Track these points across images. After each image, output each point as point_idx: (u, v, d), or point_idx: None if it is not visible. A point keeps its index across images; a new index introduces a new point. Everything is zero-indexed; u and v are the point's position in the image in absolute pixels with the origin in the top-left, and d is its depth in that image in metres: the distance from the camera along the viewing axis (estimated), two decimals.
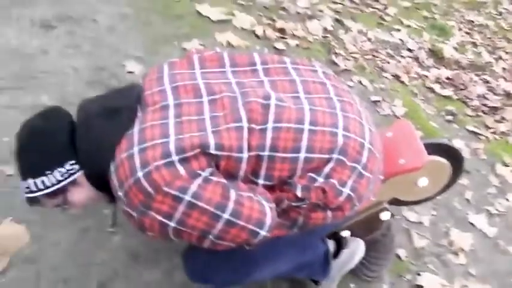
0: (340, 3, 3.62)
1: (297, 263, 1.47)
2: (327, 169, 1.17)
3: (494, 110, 3.22)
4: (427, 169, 1.55)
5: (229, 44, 2.70)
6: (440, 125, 2.92)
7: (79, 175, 1.16)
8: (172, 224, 1.08)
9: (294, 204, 1.19)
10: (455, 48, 3.64)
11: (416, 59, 3.38)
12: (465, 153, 2.77)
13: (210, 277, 1.35)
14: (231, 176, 1.14)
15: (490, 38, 3.98)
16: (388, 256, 1.82)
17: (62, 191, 1.17)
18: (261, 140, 1.13)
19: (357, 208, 1.29)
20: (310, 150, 1.15)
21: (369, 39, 3.36)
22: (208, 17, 2.83)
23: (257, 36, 2.88)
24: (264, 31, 2.90)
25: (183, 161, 1.06)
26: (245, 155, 1.11)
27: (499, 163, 2.81)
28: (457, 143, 2.81)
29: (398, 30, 3.63)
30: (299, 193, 1.17)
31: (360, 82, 2.93)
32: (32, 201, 1.19)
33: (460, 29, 3.92)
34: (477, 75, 3.48)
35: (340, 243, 1.65)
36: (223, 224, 1.09)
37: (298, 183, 1.17)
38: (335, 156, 1.17)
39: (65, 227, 1.64)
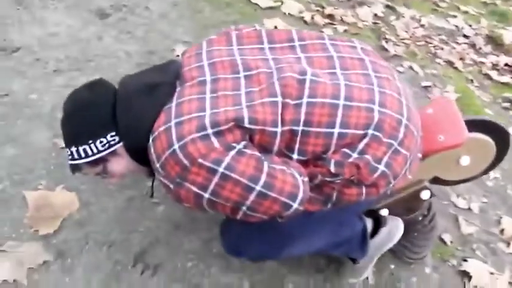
0: None
1: (333, 240, 1.46)
2: (361, 145, 1.16)
3: None
4: (469, 147, 1.49)
5: None
6: (496, 112, 2.79)
7: (119, 147, 1.21)
8: (206, 195, 1.12)
9: (327, 179, 1.19)
10: None
11: (472, 45, 3.24)
12: None
13: (244, 250, 1.37)
14: (265, 150, 1.15)
15: None
16: (429, 237, 1.76)
17: (103, 160, 1.23)
18: (295, 114, 1.13)
19: (394, 186, 1.26)
20: (344, 126, 1.15)
21: (422, 26, 3.26)
22: (257, 4, 2.88)
23: (305, 22, 2.88)
24: (312, 17, 2.90)
25: (218, 134, 1.09)
26: (279, 129, 1.12)
27: None
28: None
29: (455, 16, 3.49)
30: (332, 168, 1.16)
31: (411, 68, 2.85)
32: (75, 168, 1.26)
33: None
34: None
35: (379, 222, 1.62)
36: (255, 196, 1.11)
37: (332, 158, 1.16)
38: (370, 132, 1.16)
39: (113, 196, 1.73)
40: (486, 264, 1.94)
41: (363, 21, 3.07)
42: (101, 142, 1.20)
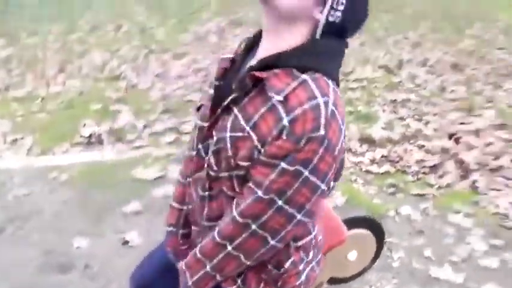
0: None
1: None
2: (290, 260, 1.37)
3: (434, 168, 3.51)
4: (352, 243, 1.78)
5: (166, 197, 3.06)
6: (384, 199, 3.18)
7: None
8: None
9: None
10: (384, 128, 4.05)
11: (348, 150, 3.75)
12: (416, 215, 3.00)
13: None
14: None
15: (415, 108, 4.43)
16: None
17: None
18: None
19: None
20: None
21: None
22: (144, 179, 3.26)
23: None
24: None
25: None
26: None
27: (450, 213, 3.02)
28: (405, 210, 3.04)
29: None
30: None
31: None
32: None
33: (384, 111, 4.38)
34: (411, 143, 3.83)
35: None
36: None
37: None
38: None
39: None
40: None
41: None
42: None
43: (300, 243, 1.36)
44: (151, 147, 3.70)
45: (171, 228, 1.55)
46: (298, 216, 1.18)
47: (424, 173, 3.47)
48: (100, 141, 3.80)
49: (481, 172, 3.43)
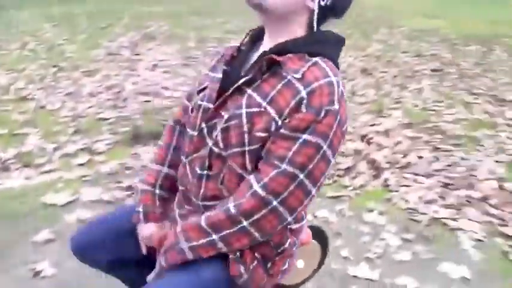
0: None
1: None
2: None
3: (348, 170, 3.65)
4: (301, 251, 1.76)
5: (80, 221, 2.94)
6: None
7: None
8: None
9: None
10: None
11: None
12: (332, 218, 3.09)
13: None
14: None
15: None
16: None
17: None
18: None
19: None
20: None
21: None
22: (55, 204, 3.11)
23: (109, 202, 3.15)
24: (113, 195, 3.20)
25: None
26: None
27: (365, 212, 3.15)
28: (322, 213, 3.13)
29: None
30: None
31: None
32: None
33: None
34: None
35: None
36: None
37: None
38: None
39: None
40: None
41: None
42: None
43: (294, 227, 1.40)
44: (62, 170, 3.54)
45: (147, 187, 1.52)
46: (313, 191, 1.23)
47: (338, 175, 3.59)
48: (6, 168, 3.59)
49: (392, 170, 3.62)
